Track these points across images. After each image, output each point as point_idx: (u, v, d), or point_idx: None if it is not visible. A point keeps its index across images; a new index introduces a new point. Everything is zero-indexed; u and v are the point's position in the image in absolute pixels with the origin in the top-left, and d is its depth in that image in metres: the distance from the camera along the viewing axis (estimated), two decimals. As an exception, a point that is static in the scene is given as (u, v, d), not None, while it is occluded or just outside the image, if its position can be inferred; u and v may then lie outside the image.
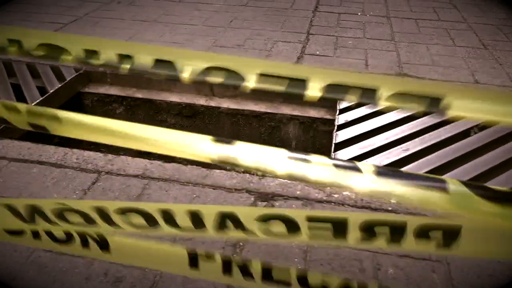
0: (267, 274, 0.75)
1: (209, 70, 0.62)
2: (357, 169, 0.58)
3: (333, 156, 2.28)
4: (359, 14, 4.54)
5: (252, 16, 4.41)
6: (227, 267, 0.77)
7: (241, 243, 1.71)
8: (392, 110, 2.60)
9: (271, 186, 2.02)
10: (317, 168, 0.58)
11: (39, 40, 0.65)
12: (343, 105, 2.76)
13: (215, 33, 3.94)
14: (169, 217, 0.67)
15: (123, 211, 0.67)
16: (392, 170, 0.58)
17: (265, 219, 0.67)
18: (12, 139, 2.36)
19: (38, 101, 2.77)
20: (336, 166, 0.58)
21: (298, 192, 1.97)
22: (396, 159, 2.24)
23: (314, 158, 0.59)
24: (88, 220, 0.66)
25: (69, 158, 2.19)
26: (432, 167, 2.20)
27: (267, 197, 1.95)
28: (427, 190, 0.55)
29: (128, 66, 0.65)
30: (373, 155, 2.28)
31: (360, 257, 1.66)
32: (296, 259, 1.64)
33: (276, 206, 1.90)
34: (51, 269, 1.57)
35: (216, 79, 0.62)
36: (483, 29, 4.13)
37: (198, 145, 0.62)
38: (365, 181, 0.56)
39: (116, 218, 0.66)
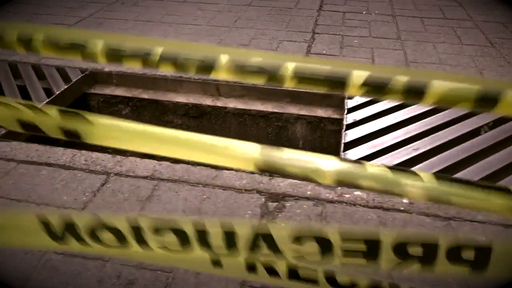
0: (293, 273, 0.74)
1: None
2: (414, 174, 0.56)
3: (342, 156, 2.26)
4: (364, 13, 4.52)
5: (256, 16, 4.39)
6: (251, 265, 0.75)
7: (253, 245, 1.69)
8: (404, 108, 2.58)
9: (281, 186, 2.01)
10: (371, 174, 0.56)
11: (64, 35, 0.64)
12: (351, 104, 2.74)
13: (219, 33, 3.93)
14: (202, 236, 0.65)
15: (158, 230, 0.65)
16: (448, 177, 0.56)
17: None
18: (20, 141, 2.35)
19: (44, 102, 2.76)
20: (392, 170, 0.56)
21: (308, 192, 1.96)
22: (406, 158, 2.22)
23: (367, 165, 0.57)
24: (121, 238, 0.65)
25: (78, 160, 2.18)
26: (443, 166, 2.19)
27: (278, 198, 1.93)
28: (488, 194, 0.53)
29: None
30: (383, 155, 2.26)
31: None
32: (309, 260, 1.62)
33: (287, 207, 1.88)
34: (64, 272, 1.56)
35: (254, 79, 0.60)
36: (490, 27, 4.10)
37: (246, 152, 0.60)
38: (422, 186, 0.55)
39: (150, 237, 0.64)
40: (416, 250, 0.59)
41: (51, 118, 0.62)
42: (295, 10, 4.58)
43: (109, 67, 3.24)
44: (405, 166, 2.18)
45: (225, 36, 3.83)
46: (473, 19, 4.37)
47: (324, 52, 3.54)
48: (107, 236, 0.67)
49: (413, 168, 2.15)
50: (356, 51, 3.54)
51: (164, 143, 0.62)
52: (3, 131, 2.44)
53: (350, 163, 0.58)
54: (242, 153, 0.60)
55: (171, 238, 0.66)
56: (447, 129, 2.47)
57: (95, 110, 3.27)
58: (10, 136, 2.45)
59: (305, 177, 0.59)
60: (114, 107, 3.22)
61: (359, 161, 0.57)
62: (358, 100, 2.77)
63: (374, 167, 0.57)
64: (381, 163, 2.20)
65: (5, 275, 1.57)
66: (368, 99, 2.78)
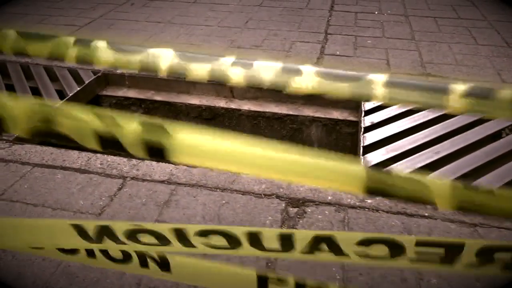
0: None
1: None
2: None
3: (362, 160, 2.22)
4: (376, 13, 4.47)
5: (267, 16, 4.35)
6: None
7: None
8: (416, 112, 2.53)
9: (301, 191, 1.97)
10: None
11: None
12: (368, 106, 2.69)
13: (231, 33, 3.89)
14: (255, 239, 0.62)
15: (204, 233, 0.62)
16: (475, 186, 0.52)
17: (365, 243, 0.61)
18: (34, 144, 2.33)
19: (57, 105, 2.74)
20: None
21: (329, 198, 1.92)
22: (427, 162, 2.17)
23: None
24: (163, 241, 0.61)
25: (93, 163, 2.15)
26: (465, 170, 2.14)
27: (298, 203, 1.89)
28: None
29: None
30: (403, 158, 2.21)
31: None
32: (333, 268, 1.58)
33: (308, 212, 1.84)
34: (82, 279, 1.52)
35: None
36: (505, 27, 4.04)
37: (351, 175, 0.55)
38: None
39: (195, 239, 0.61)
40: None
41: (132, 131, 0.56)
42: (306, 11, 4.54)
43: (121, 69, 3.21)
44: (426, 170, 2.13)
45: (237, 37, 3.80)
46: (488, 18, 4.30)
47: (338, 53, 3.49)
48: (146, 239, 0.64)
49: (436, 173, 2.10)
50: (370, 52, 3.49)
51: (256, 164, 0.56)
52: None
53: (465, 185, 0.53)
54: (347, 176, 0.55)
55: (219, 240, 0.62)
56: (467, 132, 2.42)
57: (107, 112, 3.24)
58: (24, 138, 2.43)
59: (420, 201, 0.54)
60: (126, 109, 3.19)
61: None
62: (375, 102, 2.72)
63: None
64: (401, 167, 2.15)
65: (22, 282, 1.54)
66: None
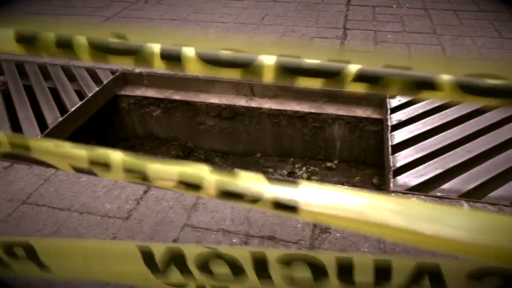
0: None
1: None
2: None
3: (391, 159, 2.15)
4: (394, 6, 4.37)
5: (283, 12, 4.28)
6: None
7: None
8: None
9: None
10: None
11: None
12: (394, 103, 2.62)
13: (248, 30, 3.83)
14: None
15: (287, 261, 0.57)
16: None
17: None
18: (56, 146, 2.30)
19: (78, 105, 2.71)
20: None
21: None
22: (459, 162, 2.10)
23: None
24: (236, 270, 0.57)
25: (117, 166, 2.11)
26: (500, 170, 2.06)
27: (329, 205, 1.84)
28: None
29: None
30: (435, 158, 2.14)
31: (439, 271, 1.54)
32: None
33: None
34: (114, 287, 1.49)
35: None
36: (529, 19, 3.92)
37: None
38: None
39: (274, 269, 0.56)
40: None
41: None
42: (323, 5, 4.46)
43: (139, 68, 3.18)
44: (459, 170, 2.06)
45: (254, 34, 3.73)
46: (509, 11, 4.18)
47: (358, 49, 3.41)
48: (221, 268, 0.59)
49: (468, 173, 2.03)
50: (391, 47, 3.41)
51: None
52: (40, 135, 2.40)
53: None
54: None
55: (303, 273, 0.57)
56: (499, 129, 2.34)
57: (125, 112, 3.21)
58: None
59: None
60: (145, 108, 3.16)
61: None
62: (401, 99, 2.65)
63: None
64: (432, 167, 2.09)
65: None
66: (410, 98, 2.65)
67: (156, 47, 0.59)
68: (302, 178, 2.84)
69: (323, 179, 2.87)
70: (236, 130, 3.07)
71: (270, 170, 3.00)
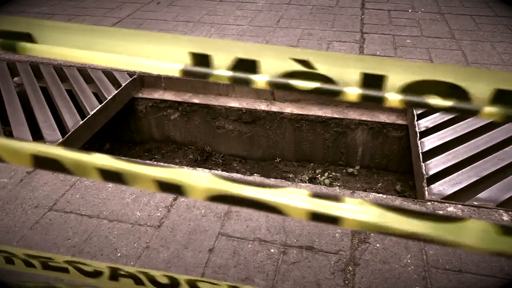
0: None
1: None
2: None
3: (423, 166, 2.11)
4: (410, 11, 4.34)
5: (298, 15, 4.25)
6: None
7: (350, 268, 1.56)
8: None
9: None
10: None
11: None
12: (420, 109, 2.58)
13: (264, 33, 3.79)
14: None
15: None
16: None
17: None
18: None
19: (97, 108, 2.66)
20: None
21: (398, 209, 1.81)
22: (493, 170, 2.06)
23: None
24: None
25: (144, 171, 2.06)
26: (535, 178, 2.02)
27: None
28: None
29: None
30: (467, 165, 2.10)
31: (487, 284, 1.50)
32: (417, 287, 1.48)
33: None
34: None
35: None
36: (547, 25, 3.90)
37: None
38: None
39: None
40: None
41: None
42: (338, 9, 4.43)
43: (157, 71, 3.12)
44: (494, 178, 2.02)
45: (270, 37, 3.69)
46: (525, 16, 4.16)
47: (378, 53, 3.38)
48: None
49: (503, 181, 1.99)
50: (411, 52, 3.38)
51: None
52: (61, 139, 2.35)
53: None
54: None
55: None
56: (530, 137, 2.30)
57: (142, 115, 3.16)
58: (69, 144, 2.36)
59: None
60: (162, 111, 3.11)
61: None
62: (427, 105, 2.61)
63: None
64: (466, 175, 2.05)
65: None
66: (436, 104, 2.61)
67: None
68: (324, 184, 2.79)
69: (345, 185, 2.83)
70: (256, 134, 3.03)
71: (290, 176, 2.95)
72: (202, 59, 0.44)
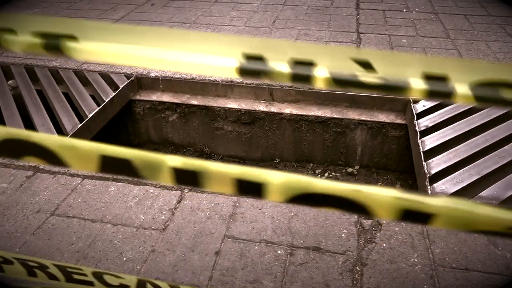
0: None
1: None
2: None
3: (425, 166, 2.12)
4: (404, 11, 4.37)
5: (294, 16, 4.25)
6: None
7: (357, 268, 1.56)
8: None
9: (370, 201, 1.86)
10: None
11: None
12: (419, 108, 2.60)
13: (260, 34, 3.79)
14: None
15: None
16: None
17: None
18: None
19: (96, 111, 2.63)
20: None
21: (403, 208, 1.82)
22: (494, 168, 2.08)
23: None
24: None
25: (146, 174, 2.04)
26: (535, 176, 2.04)
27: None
28: None
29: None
30: (468, 164, 2.12)
31: (494, 281, 1.51)
32: (425, 286, 1.48)
33: (384, 224, 1.74)
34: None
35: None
36: (539, 24, 3.95)
37: None
38: None
39: None
40: None
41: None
42: (333, 9, 4.44)
43: (155, 72, 3.11)
44: (495, 177, 2.04)
45: (267, 37, 3.69)
46: (518, 15, 4.21)
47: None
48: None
49: (505, 179, 2.01)
50: (408, 52, 3.39)
51: None
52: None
53: None
54: None
55: None
56: (528, 135, 2.32)
57: (140, 117, 3.14)
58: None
59: None
60: (160, 113, 3.09)
61: None
62: (425, 104, 2.63)
63: None
64: (468, 173, 2.06)
65: None
66: (435, 103, 2.64)
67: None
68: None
69: (345, 185, 2.82)
70: (255, 135, 3.02)
71: (290, 176, 2.94)
72: (256, 61, 0.43)
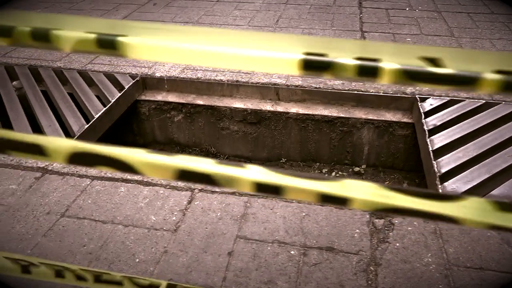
0: None
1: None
2: None
3: (435, 164, 2.12)
4: (407, 9, 4.36)
5: (297, 15, 4.24)
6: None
7: (372, 268, 1.55)
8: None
9: (381, 200, 1.86)
10: None
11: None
12: (426, 107, 2.59)
13: (264, 33, 3.77)
14: None
15: None
16: None
17: None
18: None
19: (102, 111, 2.62)
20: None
21: (414, 207, 1.81)
22: (505, 166, 2.08)
23: None
24: None
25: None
26: (545, 174, 2.04)
27: (382, 214, 1.79)
28: None
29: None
30: (478, 162, 2.11)
31: (508, 281, 1.50)
32: (440, 286, 1.48)
33: (396, 224, 1.74)
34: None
35: None
36: (543, 22, 3.95)
37: None
38: None
39: None
40: None
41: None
42: (336, 8, 4.43)
43: (160, 72, 3.10)
44: (505, 175, 2.03)
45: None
46: (520, 13, 4.21)
47: (380, 51, 3.38)
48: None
49: (515, 177, 2.01)
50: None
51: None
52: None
53: None
54: None
55: None
56: (536, 133, 2.32)
57: (145, 118, 3.13)
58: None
59: None
60: (166, 113, 3.08)
61: None
62: (433, 103, 2.63)
63: None
64: (478, 172, 2.06)
65: None
66: (442, 101, 2.63)
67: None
68: (332, 183, 2.78)
69: (352, 184, 2.82)
70: (261, 135, 3.01)
71: (296, 176, 2.94)
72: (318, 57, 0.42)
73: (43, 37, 0.47)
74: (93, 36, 0.45)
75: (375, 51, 0.42)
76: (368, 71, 0.41)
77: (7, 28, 0.47)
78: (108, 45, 0.45)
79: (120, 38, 0.44)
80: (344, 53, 0.41)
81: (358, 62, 0.41)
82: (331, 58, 0.41)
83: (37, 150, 0.50)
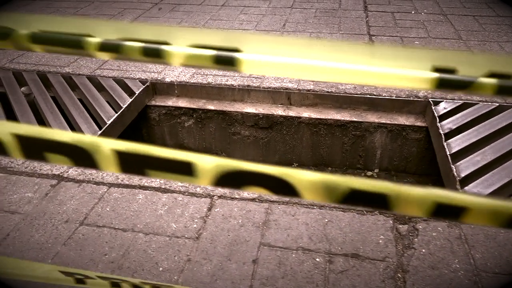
0: None
1: None
2: None
3: (454, 169, 2.10)
4: (413, 12, 4.37)
5: (303, 19, 4.24)
6: None
7: (399, 275, 1.53)
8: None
9: (403, 205, 1.84)
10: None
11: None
12: (440, 111, 2.58)
13: (272, 37, 3.76)
14: None
15: None
16: None
17: None
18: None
19: (114, 117, 2.59)
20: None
21: (437, 212, 1.79)
22: (524, 170, 2.07)
23: None
24: None
25: (173, 182, 2.02)
26: None
27: (405, 219, 1.77)
28: None
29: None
30: (497, 166, 2.10)
31: (538, 286, 1.49)
32: (470, 292, 1.46)
33: (420, 230, 1.72)
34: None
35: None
36: (549, 24, 3.96)
37: None
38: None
39: None
40: None
41: None
42: (341, 12, 4.43)
43: (170, 77, 3.08)
44: (525, 179, 2.02)
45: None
46: (525, 16, 4.22)
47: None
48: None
49: (535, 181, 2.00)
50: None
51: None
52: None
53: None
54: None
55: None
56: (553, 136, 2.31)
57: (155, 123, 3.10)
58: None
59: None
60: (176, 119, 3.05)
61: None
62: (446, 106, 2.62)
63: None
64: (499, 176, 2.05)
65: None
66: (455, 105, 2.62)
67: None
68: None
69: (365, 189, 2.80)
70: (272, 139, 2.99)
71: (308, 180, 2.92)
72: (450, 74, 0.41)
73: (153, 53, 0.46)
74: (213, 53, 0.43)
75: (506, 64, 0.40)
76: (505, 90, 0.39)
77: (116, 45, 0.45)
78: (154, 55, 0.44)
79: (237, 56, 0.43)
80: (475, 68, 0.39)
81: (494, 80, 0.39)
82: (467, 77, 0.39)
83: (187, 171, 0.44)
